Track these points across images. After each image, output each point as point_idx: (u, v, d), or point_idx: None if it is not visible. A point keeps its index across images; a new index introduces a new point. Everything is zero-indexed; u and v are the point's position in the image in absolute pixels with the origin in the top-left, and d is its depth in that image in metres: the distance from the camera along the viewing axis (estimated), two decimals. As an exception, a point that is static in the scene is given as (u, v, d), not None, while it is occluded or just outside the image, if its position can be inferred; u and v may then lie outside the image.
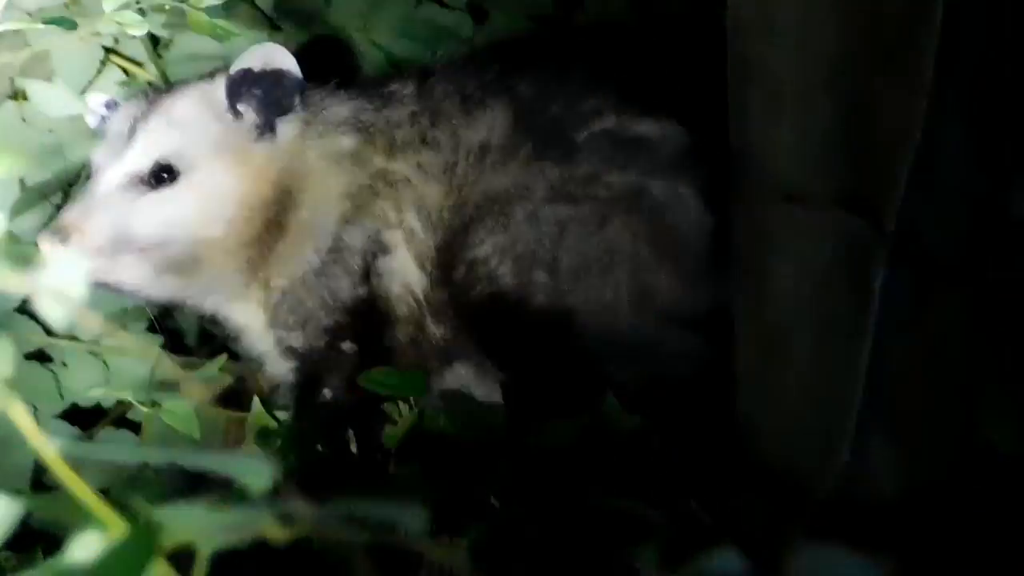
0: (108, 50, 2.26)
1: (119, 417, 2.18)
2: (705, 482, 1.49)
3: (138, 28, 2.00)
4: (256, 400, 1.93)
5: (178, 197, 1.88)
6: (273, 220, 1.91)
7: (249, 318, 1.99)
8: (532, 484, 1.45)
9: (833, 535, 1.24)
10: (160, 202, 1.87)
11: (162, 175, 1.88)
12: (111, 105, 2.00)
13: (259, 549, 0.88)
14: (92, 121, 2.02)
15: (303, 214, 1.93)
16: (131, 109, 1.95)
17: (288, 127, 1.94)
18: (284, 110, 1.92)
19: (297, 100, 1.93)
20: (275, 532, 0.86)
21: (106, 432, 2.15)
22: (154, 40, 2.23)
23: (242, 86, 1.91)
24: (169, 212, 1.87)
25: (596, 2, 2.40)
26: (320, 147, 1.95)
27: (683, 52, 2.03)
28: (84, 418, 2.17)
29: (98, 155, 1.92)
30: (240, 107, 1.92)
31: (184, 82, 2.01)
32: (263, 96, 1.91)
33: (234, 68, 1.91)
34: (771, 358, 1.37)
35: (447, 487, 1.34)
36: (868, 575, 0.77)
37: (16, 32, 2.10)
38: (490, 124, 1.92)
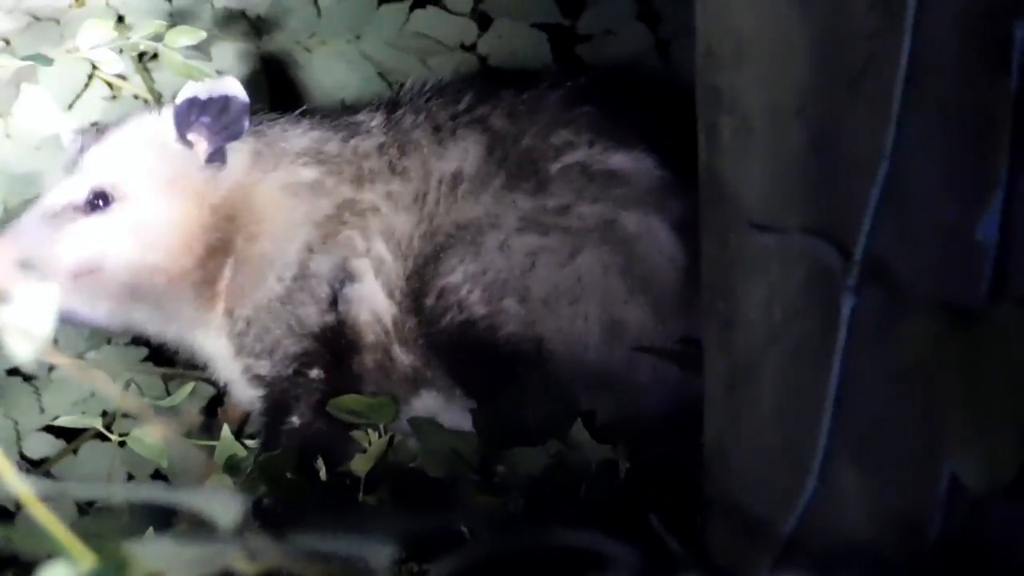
0: (94, 65, 2.26)
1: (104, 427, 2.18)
2: (675, 511, 1.49)
3: (113, 67, 2.03)
4: (225, 428, 1.93)
5: (110, 224, 1.90)
6: (217, 247, 1.92)
7: (215, 347, 2.00)
8: (501, 513, 1.44)
9: (802, 565, 1.24)
10: (90, 228, 1.90)
11: (96, 203, 1.90)
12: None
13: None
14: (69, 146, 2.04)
15: (264, 245, 1.95)
16: (82, 141, 1.98)
17: (239, 157, 1.96)
18: (233, 135, 1.94)
19: (246, 124, 1.95)
20: (242, 565, 0.85)
21: (88, 446, 2.19)
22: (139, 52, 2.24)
23: (190, 115, 1.93)
24: (100, 238, 1.89)
25: (599, 11, 2.42)
26: (277, 179, 1.97)
27: (653, 85, 2.04)
28: (68, 429, 2.18)
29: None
30: (191, 136, 1.94)
31: (133, 115, 2.03)
32: (211, 123, 1.93)
33: (180, 98, 1.93)
34: (740, 385, 1.38)
35: (416, 515, 1.34)
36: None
37: (1, 49, 2.12)
38: (462, 154, 1.93)
